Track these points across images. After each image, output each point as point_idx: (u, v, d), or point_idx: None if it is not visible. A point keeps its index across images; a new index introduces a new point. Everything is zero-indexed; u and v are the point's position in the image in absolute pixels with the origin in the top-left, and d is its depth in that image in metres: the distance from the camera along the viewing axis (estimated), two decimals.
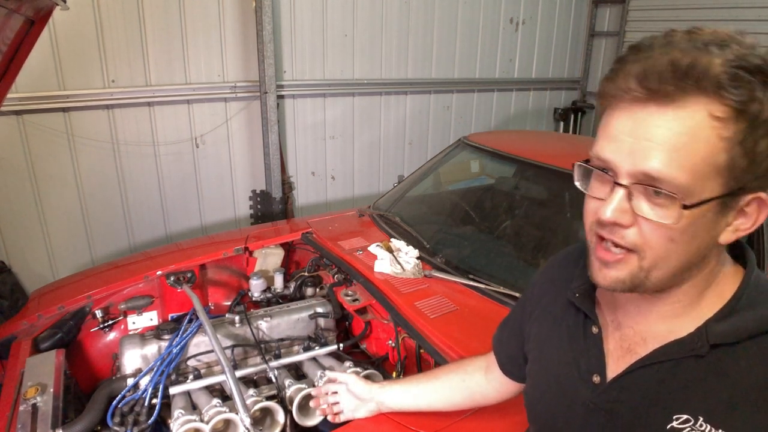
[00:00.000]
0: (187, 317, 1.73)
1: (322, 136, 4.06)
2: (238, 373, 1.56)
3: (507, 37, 4.81)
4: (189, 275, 1.99)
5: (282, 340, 1.80)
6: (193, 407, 1.47)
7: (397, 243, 2.06)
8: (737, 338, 0.64)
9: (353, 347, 1.88)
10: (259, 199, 3.88)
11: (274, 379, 1.61)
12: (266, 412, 1.49)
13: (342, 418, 1.27)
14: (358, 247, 2.08)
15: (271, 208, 3.85)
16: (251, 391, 1.49)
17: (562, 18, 5.18)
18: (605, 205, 0.64)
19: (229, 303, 2.13)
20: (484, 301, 1.73)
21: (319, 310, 1.86)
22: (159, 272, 1.98)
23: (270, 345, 1.77)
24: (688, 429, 0.64)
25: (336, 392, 1.30)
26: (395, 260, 1.91)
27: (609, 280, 0.67)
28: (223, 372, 1.47)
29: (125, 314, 1.92)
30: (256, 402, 1.42)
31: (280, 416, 1.45)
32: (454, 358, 1.42)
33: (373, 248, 2.02)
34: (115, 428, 1.38)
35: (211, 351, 1.66)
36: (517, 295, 1.65)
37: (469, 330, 1.54)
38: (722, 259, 0.70)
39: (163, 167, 3.44)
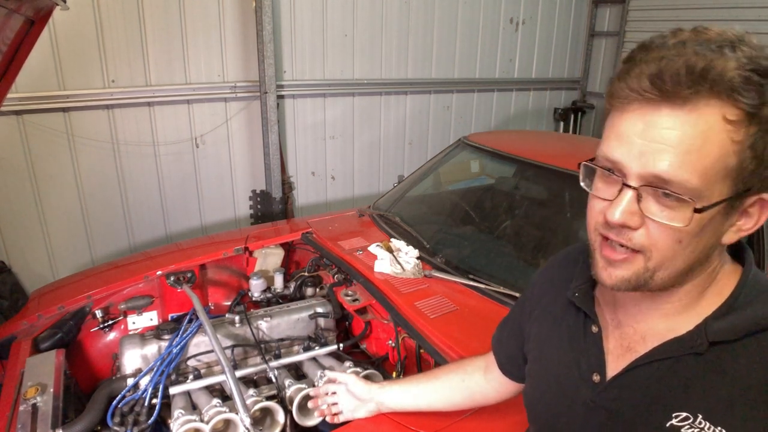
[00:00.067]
0: (187, 317, 1.73)
1: (322, 136, 4.06)
2: (238, 373, 1.56)
3: (507, 37, 4.81)
4: (189, 275, 1.99)
5: (282, 340, 1.80)
6: (193, 407, 1.47)
7: (397, 243, 2.06)
8: (736, 336, 0.64)
9: (353, 347, 1.88)
10: (259, 199, 3.88)
11: (274, 379, 1.61)
12: (266, 412, 1.49)
13: (341, 418, 1.27)
14: (358, 247, 2.08)
15: (271, 208, 3.85)
16: (251, 391, 1.49)
17: (562, 18, 5.18)
18: (614, 207, 0.63)
19: (229, 303, 2.13)
20: (484, 301, 1.73)
21: (319, 310, 1.86)
22: (159, 272, 1.98)
23: (270, 345, 1.77)
24: (687, 426, 0.64)
25: (335, 393, 1.30)
26: (395, 260, 1.91)
27: (614, 279, 0.67)
28: (223, 372, 1.47)
29: (125, 314, 1.92)
30: (256, 402, 1.42)
31: (280, 416, 1.45)
32: (454, 358, 1.41)
33: (373, 248, 2.02)
34: (115, 428, 1.38)
35: (211, 351, 1.66)
36: (517, 295, 1.65)
37: (469, 330, 1.54)
38: (723, 258, 0.70)
39: (163, 167, 3.44)
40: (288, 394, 1.51)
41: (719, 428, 0.62)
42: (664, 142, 0.59)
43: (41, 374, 1.46)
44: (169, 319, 1.96)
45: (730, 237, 0.65)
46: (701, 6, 4.42)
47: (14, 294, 2.95)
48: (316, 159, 4.09)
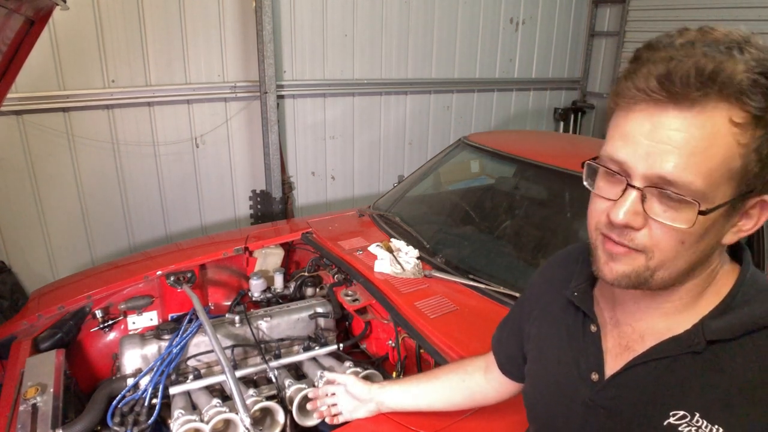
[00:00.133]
0: (187, 317, 1.73)
1: (322, 136, 4.06)
2: (238, 373, 1.56)
3: (507, 37, 4.81)
4: (189, 275, 1.99)
5: (282, 340, 1.80)
6: (193, 407, 1.47)
7: (397, 243, 2.06)
8: (733, 334, 0.65)
9: (353, 347, 1.88)
10: (259, 199, 3.88)
11: (274, 379, 1.61)
12: (266, 412, 1.49)
13: (341, 419, 1.27)
14: (358, 247, 2.08)
15: (271, 208, 3.85)
16: (251, 391, 1.49)
17: (562, 18, 5.18)
18: (617, 207, 0.63)
19: (229, 303, 2.13)
20: (484, 301, 1.73)
21: (319, 310, 1.86)
22: (159, 272, 1.98)
23: (270, 345, 1.77)
24: (685, 425, 0.65)
25: (334, 393, 1.30)
26: (395, 260, 1.91)
27: (615, 273, 0.67)
28: (223, 372, 1.47)
29: (125, 314, 1.92)
30: (256, 402, 1.42)
31: (280, 416, 1.45)
32: (454, 358, 1.42)
33: (373, 248, 2.02)
34: (115, 428, 1.38)
35: (211, 351, 1.66)
36: (517, 295, 1.65)
37: (469, 330, 1.54)
38: (722, 258, 0.70)
39: (163, 167, 3.44)
40: (288, 394, 1.51)
41: (716, 426, 0.62)
42: (671, 143, 0.59)
43: (41, 374, 1.46)
44: (169, 319, 1.96)
45: (730, 238, 0.66)
46: (701, 6, 4.42)
47: (14, 294, 2.95)
48: (316, 159, 4.09)
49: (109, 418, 1.39)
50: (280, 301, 2.05)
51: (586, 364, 0.78)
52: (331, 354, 1.75)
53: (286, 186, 3.92)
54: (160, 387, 1.49)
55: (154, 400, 1.47)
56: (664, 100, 0.59)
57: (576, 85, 5.56)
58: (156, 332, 1.69)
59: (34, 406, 1.33)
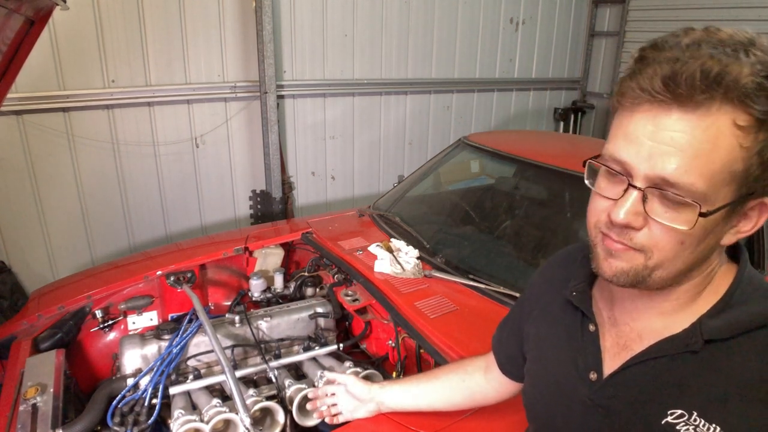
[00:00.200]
0: (187, 317, 1.73)
1: (322, 136, 4.06)
2: (238, 373, 1.56)
3: (507, 37, 4.81)
4: (189, 275, 1.99)
5: (282, 340, 1.80)
6: (193, 407, 1.47)
7: (397, 243, 2.06)
8: (731, 334, 0.65)
9: (353, 347, 1.88)
10: (259, 199, 3.88)
11: (274, 379, 1.61)
12: (266, 412, 1.49)
13: (341, 419, 1.27)
14: (358, 247, 2.08)
15: (271, 208, 3.85)
16: (251, 391, 1.49)
17: (562, 18, 5.18)
18: (618, 206, 0.63)
19: (229, 303, 2.13)
20: (484, 301, 1.73)
21: (319, 310, 1.87)
22: (159, 272, 1.98)
23: (270, 345, 1.77)
24: (683, 423, 0.65)
25: (334, 393, 1.30)
26: (395, 260, 1.91)
27: (614, 269, 0.67)
28: (223, 372, 1.47)
29: (125, 314, 1.92)
30: (256, 402, 1.42)
31: (280, 416, 1.45)
32: (454, 358, 1.42)
33: (373, 248, 2.02)
34: (115, 428, 1.38)
35: (211, 351, 1.66)
36: (517, 295, 1.65)
37: (469, 330, 1.54)
38: (721, 258, 0.70)
39: (163, 167, 3.44)
40: (288, 394, 1.51)
41: (714, 425, 0.63)
42: (674, 145, 0.59)
43: (41, 374, 1.46)
44: (169, 319, 1.96)
45: (728, 238, 0.66)
46: (701, 6, 4.42)
47: (14, 294, 2.95)
48: (316, 159, 4.09)
49: (109, 418, 1.39)
50: (280, 301, 2.05)
51: (584, 363, 0.78)
52: (331, 354, 1.75)
53: (286, 186, 3.92)
54: (160, 387, 1.49)
55: (154, 400, 1.47)
56: (668, 101, 0.59)
57: (576, 85, 5.56)
58: (156, 332, 1.69)
59: (34, 406, 1.33)
